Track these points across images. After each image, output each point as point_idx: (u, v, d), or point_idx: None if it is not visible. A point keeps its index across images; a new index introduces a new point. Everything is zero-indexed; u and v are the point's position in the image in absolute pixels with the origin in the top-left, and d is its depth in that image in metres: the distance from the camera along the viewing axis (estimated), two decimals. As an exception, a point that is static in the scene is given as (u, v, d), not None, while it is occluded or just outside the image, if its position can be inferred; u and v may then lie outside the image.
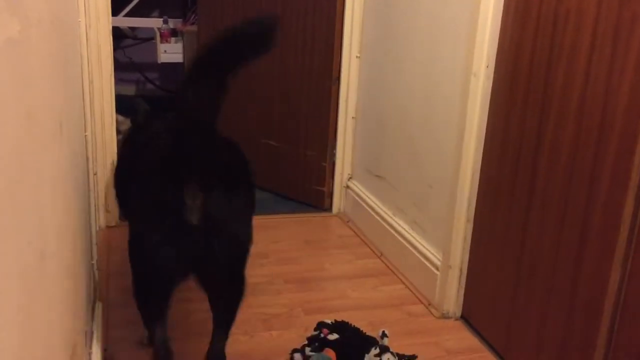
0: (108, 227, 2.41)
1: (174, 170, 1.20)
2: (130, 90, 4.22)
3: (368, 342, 1.61)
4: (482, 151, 1.78)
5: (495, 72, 1.72)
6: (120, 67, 3.77)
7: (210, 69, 1.14)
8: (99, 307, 1.61)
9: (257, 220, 2.62)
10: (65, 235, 0.91)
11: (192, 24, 3.61)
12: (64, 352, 0.81)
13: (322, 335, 1.63)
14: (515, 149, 1.64)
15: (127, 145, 1.68)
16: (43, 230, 0.67)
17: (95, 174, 2.29)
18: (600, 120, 1.35)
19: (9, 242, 0.51)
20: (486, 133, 1.76)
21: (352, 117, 2.64)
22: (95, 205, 2.29)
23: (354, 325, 1.70)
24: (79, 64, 1.40)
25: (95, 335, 1.46)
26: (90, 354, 1.35)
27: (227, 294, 1.37)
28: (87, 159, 1.47)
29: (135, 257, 1.30)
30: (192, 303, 1.77)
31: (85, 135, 1.45)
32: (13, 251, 0.52)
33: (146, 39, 4.07)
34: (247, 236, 1.35)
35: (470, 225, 1.84)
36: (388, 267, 2.25)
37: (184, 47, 3.65)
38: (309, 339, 1.65)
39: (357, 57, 2.56)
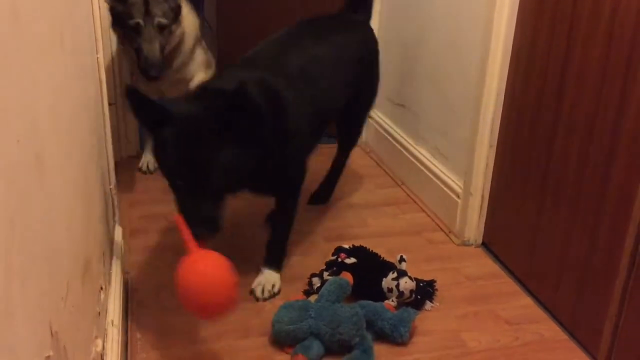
0: (130, 156, 2.42)
1: None
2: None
3: (386, 266, 1.60)
4: (507, 71, 1.70)
5: (522, -12, 1.62)
6: None
7: None
8: (118, 231, 1.62)
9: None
10: (69, 150, 0.90)
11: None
12: (72, 262, 0.81)
13: (339, 259, 1.62)
14: (542, 68, 1.56)
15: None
16: (37, 134, 0.66)
17: (113, 103, 2.28)
18: (631, 38, 1.27)
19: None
20: (512, 51, 1.68)
21: (374, 44, 2.55)
22: (115, 134, 2.29)
23: (372, 251, 1.70)
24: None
25: (115, 258, 1.48)
26: (110, 274, 1.37)
27: (356, 126, 2.14)
28: (100, 82, 1.44)
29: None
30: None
31: (97, 58, 1.43)
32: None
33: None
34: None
35: (493, 151, 1.79)
36: (409, 195, 2.23)
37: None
38: (327, 263, 1.65)
39: (379, -21, 2.45)
